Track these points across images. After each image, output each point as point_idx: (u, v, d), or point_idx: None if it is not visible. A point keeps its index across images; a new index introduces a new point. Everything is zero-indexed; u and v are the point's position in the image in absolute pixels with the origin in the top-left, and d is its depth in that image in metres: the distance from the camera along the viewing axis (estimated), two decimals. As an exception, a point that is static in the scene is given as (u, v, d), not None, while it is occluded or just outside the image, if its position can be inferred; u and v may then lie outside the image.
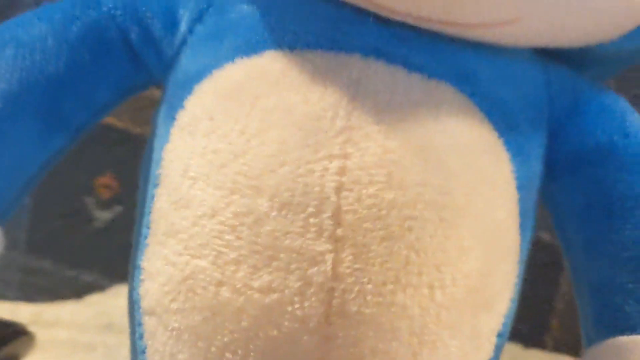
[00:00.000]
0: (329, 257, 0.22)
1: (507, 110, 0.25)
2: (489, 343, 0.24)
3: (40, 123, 0.26)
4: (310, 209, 0.22)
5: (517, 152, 0.25)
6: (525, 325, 0.33)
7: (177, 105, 0.24)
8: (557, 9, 0.22)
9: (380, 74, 0.23)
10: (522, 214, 0.25)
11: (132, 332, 0.25)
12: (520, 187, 0.24)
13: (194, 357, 0.24)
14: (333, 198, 0.22)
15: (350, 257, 0.22)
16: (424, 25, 0.22)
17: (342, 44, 0.24)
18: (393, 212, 0.22)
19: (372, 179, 0.22)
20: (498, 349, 0.26)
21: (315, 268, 0.22)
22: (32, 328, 0.44)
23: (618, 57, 0.29)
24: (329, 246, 0.22)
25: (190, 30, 0.26)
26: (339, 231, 0.22)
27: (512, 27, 0.23)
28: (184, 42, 0.26)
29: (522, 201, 0.25)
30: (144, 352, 0.24)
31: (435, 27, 0.22)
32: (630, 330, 0.24)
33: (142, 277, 0.23)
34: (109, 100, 0.27)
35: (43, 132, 0.27)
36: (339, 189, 0.22)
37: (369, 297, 0.22)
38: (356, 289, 0.22)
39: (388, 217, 0.22)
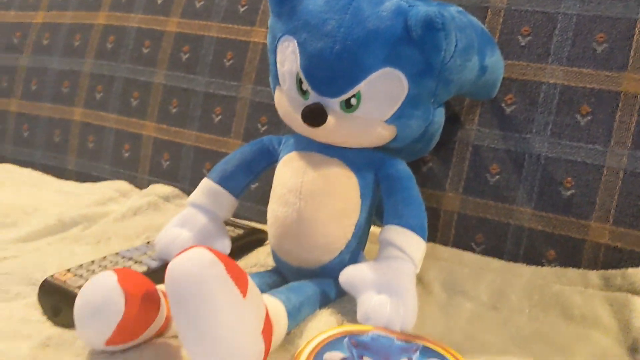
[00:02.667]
0: (298, 202, 0.53)
1: (359, 165, 0.54)
2: (349, 229, 0.54)
3: (244, 174, 0.59)
4: (294, 191, 0.53)
5: (360, 176, 0.54)
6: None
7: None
8: (358, 142, 0.54)
9: (316, 157, 0.54)
10: (363, 193, 0.54)
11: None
12: (361, 186, 0.54)
13: (272, 232, 0.56)
14: (299, 188, 0.53)
15: (302, 202, 0.53)
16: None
17: (309, 148, 0.54)
18: (312, 193, 0.53)
19: (308, 184, 0.53)
20: (355, 236, 0.55)
21: (295, 206, 0.53)
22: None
23: (408, 148, 0.58)
24: (297, 199, 0.53)
25: (281, 147, 0.58)
26: (300, 196, 0.53)
27: (345, 143, 0.53)
28: (280, 150, 0.58)
29: (362, 190, 0.54)
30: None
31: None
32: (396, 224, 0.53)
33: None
34: (265, 168, 0.59)
35: (246, 177, 0.59)
36: (301, 186, 0.53)
37: (306, 211, 0.53)
38: (304, 207, 0.53)
39: (311, 194, 0.52)
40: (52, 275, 0.55)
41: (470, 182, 0.68)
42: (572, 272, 0.62)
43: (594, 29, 0.64)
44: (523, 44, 0.69)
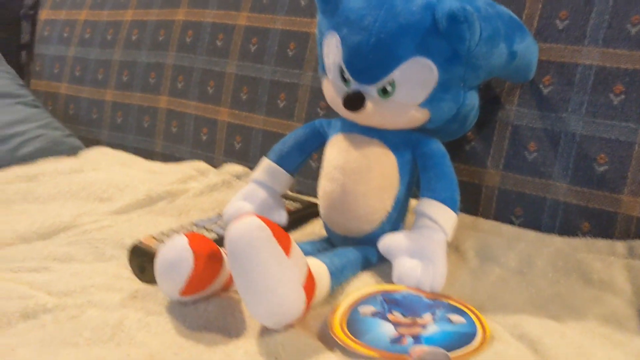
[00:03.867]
0: (342, 178, 0.61)
1: (397, 145, 0.60)
2: (389, 202, 0.61)
3: (298, 154, 0.67)
4: (338, 168, 0.61)
5: (399, 155, 0.61)
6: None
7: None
8: (395, 124, 0.62)
9: (358, 138, 0.61)
10: (401, 170, 0.61)
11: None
12: (400, 163, 0.61)
13: (321, 205, 0.66)
14: (343, 165, 0.61)
15: (346, 178, 0.61)
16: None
17: (353, 130, 0.62)
18: (354, 170, 0.61)
19: (351, 162, 0.60)
20: (395, 208, 0.62)
21: (340, 181, 0.62)
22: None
23: (444, 129, 0.65)
24: (342, 176, 0.61)
25: (330, 129, 0.68)
26: (344, 172, 0.61)
27: (383, 125, 0.61)
28: (329, 132, 0.66)
29: (400, 167, 0.61)
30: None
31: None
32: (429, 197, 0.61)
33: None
34: (317, 148, 0.68)
35: (300, 157, 0.67)
36: (344, 163, 0.61)
37: (349, 186, 0.61)
38: (347, 182, 0.61)
39: (353, 171, 0.61)
40: (139, 240, 0.67)
41: (510, 159, 0.72)
42: (601, 243, 0.66)
43: (630, 10, 0.67)
44: (561, 27, 0.73)
